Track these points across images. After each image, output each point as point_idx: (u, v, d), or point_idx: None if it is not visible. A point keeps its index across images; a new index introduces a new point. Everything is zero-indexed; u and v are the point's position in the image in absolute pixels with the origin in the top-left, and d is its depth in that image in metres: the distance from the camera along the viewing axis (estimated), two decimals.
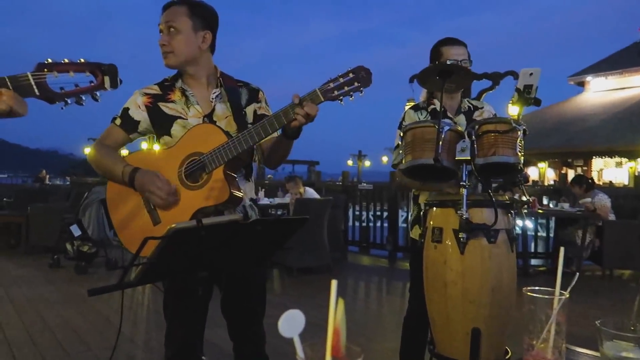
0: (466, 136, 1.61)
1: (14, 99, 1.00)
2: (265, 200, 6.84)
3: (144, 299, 4.67)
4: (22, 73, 1.03)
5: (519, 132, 1.59)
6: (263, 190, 7.60)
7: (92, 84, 1.10)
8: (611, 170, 19.91)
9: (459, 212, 1.55)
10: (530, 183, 14.79)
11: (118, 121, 1.76)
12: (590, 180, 6.79)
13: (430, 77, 1.80)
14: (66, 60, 1.08)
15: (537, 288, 0.88)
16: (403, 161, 1.70)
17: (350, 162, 31.37)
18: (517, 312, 1.40)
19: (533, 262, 6.82)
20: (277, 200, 7.06)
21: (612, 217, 6.30)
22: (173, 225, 1.21)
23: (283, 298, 4.83)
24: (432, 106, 2.20)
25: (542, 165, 20.26)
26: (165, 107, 1.75)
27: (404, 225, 7.49)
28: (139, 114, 1.75)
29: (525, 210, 5.90)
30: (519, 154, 1.59)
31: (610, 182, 18.26)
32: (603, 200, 6.26)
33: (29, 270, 6.02)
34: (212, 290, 1.78)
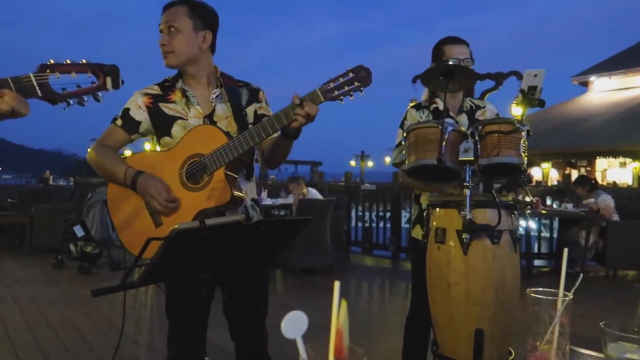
0: (469, 137, 1.61)
1: (16, 100, 1.00)
2: (268, 201, 6.84)
3: (147, 299, 4.67)
4: (24, 74, 1.04)
5: (522, 133, 1.59)
6: (266, 190, 7.61)
7: (94, 85, 1.11)
8: (615, 171, 19.84)
9: (462, 212, 1.55)
10: (533, 183, 14.75)
11: (119, 122, 1.76)
12: (593, 181, 6.77)
13: (433, 78, 1.79)
14: (68, 61, 1.08)
15: (540, 289, 0.88)
16: (406, 162, 1.70)
17: (353, 163, 31.36)
18: (520, 313, 1.40)
19: (536, 262, 6.81)
20: (280, 201, 7.06)
21: (615, 217, 6.28)
22: (176, 226, 1.21)
23: (285, 299, 4.83)
24: (434, 105, 2.20)
25: (546, 165, 20.21)
26: (166, 108, 1.75)
27: (407, 225, 7.48)
28: (140, 114, 1.75)
29: (529, 211, 5.89)
30: (523, 154, 1.59)
31: (614, 182, 18.20)
32: (607, 201, 6.24)
33: (33, 270, 6.04)
34: (214, 291, 1.78)
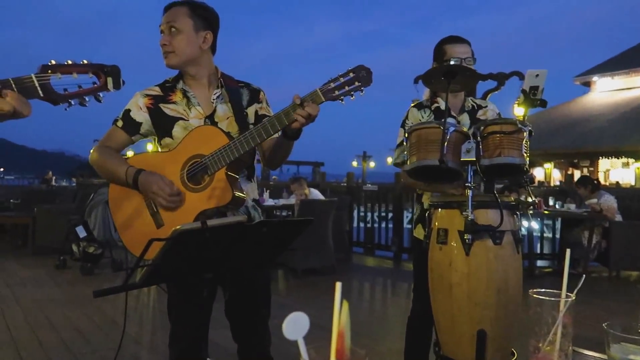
0: (471, 137, 1.61)
1: (18, 100, 1.00)
2: (270, 201, 6.84)
3: (149, 299, 4.68)
4: (26, 75, 1.04)
5: (524, 133, 1.59)
6: (268, 191, 7.61)
7: (95, 85, 1.11)
8: (618, 171, 19.79)
9: (464, 213, 1.55)
10: (535, 184, 14.72)
11: (120, 123, 1.76)
12: (595, 181, 6.75)
13: (435, 78, 1.79)
14: (69, 62, 1.08)
15: (543, 290, 0.87)
16: (408, 162, 1.70)
17: (355, 163, 31.35)
18: (523, 314, 1.39)
19: (539, 263, 6.79)
20: (282, 201, 7.06)
21: (618, 218, 6.26)
22: (178, 227, 1.21)
23: (287, 299, 4.83)
24: (436, 104, 2.19)
25: (548, 165, 20.17)
26: (167, 109, 1.75)
27: (409, 226, 7.47)
28: (141, 115, 1.75)
29: (531, 211, 5.87)
30: (525, 155, 1.59)
31: (617, 182, 18.15)
32: (609, 201, 6.23)
33: (36, 271, 6.05)
34: (216, 292, 1.78)
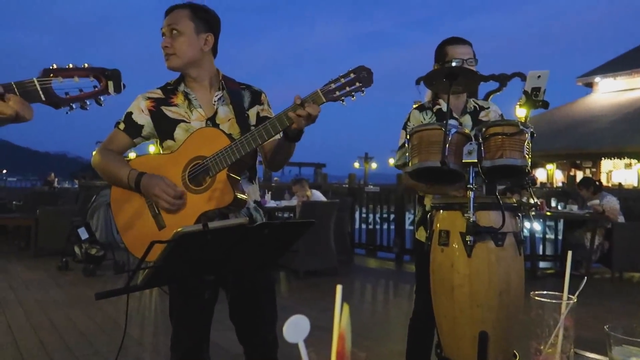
0: (473, 138, 1.61)
1: (21, 104, 1.01)
2: (271, 203, 6.85)
3: (151, 301, 4.68)
4: (28, 79, 1.04)
5: (526, 135, 1.59)
6: (269, 192, 7.61)
7: (96, 89, 1.12)
8: (620, 172, 19.73)
9: (466, 214, 1.54)
10: (538, 185, 14.70)
11: (122, 126, 1.77)
12: (597, 182, 6.74)
13: (436, 80, 1.79)
14: (71, 66, 1.09)
15: (544, 292, 0.87)
16: (410, 164, 1.69)
17: (356, 165, 31.35)
18: (525, 315, 1.39)
19: (541, 264, 6.78)
20: (283, 203, 7.06)
21: (621, 219, 6.25)
22: (179, 229, 1.21)
23: (289, 301, 4.83)
24: (438, 106, 2.19)
25: (550, 167, 20.13)
26: (168, 111, 1.75)
27: (411, 227, 7.46)
28: (143, 118, 1.76)
29: (533, 213, 5.86)
30: (527, 156, 1.59)
31: (620, 183, 18.09)
32: (611, 202, 6.21)
33: (38, 272, 6.06)
34: (218, 294, 1.78)
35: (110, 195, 1.75)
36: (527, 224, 5.89)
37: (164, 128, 1.75)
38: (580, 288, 0.86)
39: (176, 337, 1.77)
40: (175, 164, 1.66)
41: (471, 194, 1.54)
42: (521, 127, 1.57)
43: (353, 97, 1.55)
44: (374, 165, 32.17)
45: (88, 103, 1.11)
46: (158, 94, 1.78)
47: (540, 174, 20.06)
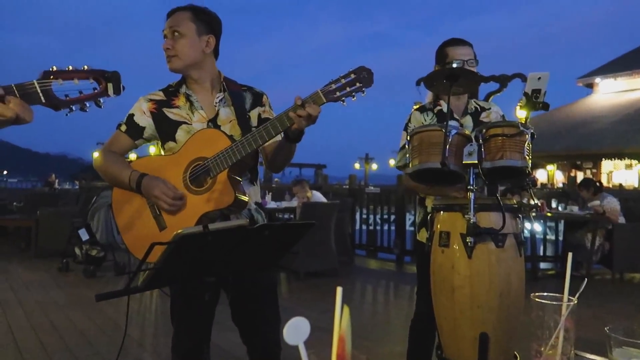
0: (473, 140, 1.61)
1: (21, 106, 1.01)
2: (272, 204, 6.85)
3: (152, 302, 4.68)
4: (28, 81, 1.05)
5: (526, 136, 1.59)
6: (270, 193, 7.61)
7: (96, 91, 1.12)
8: (621, 173, 19.71)
9: (466, 216, 1.55)
10: (538, 186, 14.69)
11: (123, 127, 1.77)
12: (598, 183, 6.74)
13: (437, 81, 1.79)
14: (70, 68, 1.09)
15: (545, 294, 0.87)
16: (410, 165, 1.70)
17: (357, 166, 31.35)
18: (525, 317, 1.39)
19: (542, 265, 6.77)
20: (284, 204, 7.06)
21: (621, 220, 6.24)
22: (180, 231, 1.21)
23: (290, 302, 4.83)
24: (438, 107, 2.19)
25: (551, 167, 20.11)
26: (170, 113, 1.76)
27: (412, 228, 7.46)
28: (144, 119, 1.76)
29: (534, 214, 5.86)
30: (527, 157, 1.59)
31: (620, 184, 18.08)
32: (612, 203, 6.21)
33: (39, 273, 6.06)
34: (218, 295, 1.78)
35: (112, 196, 1.75)
36: (527, 225, 5.89)
37: (166, 130, 1.75)
38: (581, 289, 0.86)
39: (177, 338, 1.77)
40: (176, 165, 1.66)
41: (471, 195, 1.55)
42: (521, 128, 1.57)
43: (353, 97, 1.55)
44: (374, 166, 32.18)
45: (87, 105, 1.12)
46: (160, 95, 1.79)
47: (540, 175, 20.05)
